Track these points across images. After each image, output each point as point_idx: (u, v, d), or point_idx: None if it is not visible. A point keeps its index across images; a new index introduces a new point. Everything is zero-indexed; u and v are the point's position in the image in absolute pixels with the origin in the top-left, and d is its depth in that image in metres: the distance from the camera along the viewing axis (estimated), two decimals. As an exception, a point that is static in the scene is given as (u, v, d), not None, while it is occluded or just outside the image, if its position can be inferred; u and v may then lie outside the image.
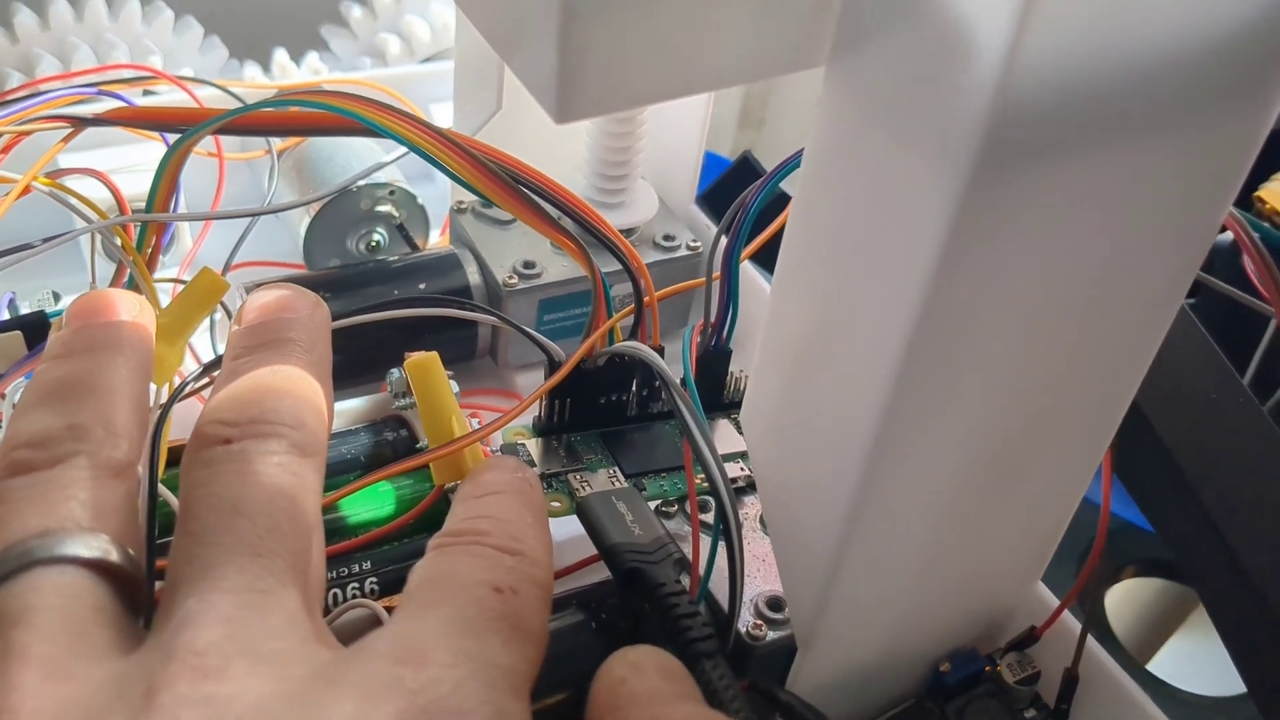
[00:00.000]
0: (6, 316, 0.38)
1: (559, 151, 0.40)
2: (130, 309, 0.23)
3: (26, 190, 0.32)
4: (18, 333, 0.35)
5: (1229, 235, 0.48)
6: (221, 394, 0.22)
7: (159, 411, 0.31)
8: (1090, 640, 0.32)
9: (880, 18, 0.21)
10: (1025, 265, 0.23)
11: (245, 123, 0.32)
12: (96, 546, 0.18)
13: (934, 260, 0.21)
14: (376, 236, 0.44)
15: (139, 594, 0.19)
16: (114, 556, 0.18)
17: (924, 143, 0.21)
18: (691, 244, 0.43)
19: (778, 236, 0.29)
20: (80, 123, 0.32)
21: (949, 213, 0.21)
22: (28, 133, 0.32)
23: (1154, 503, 0.38)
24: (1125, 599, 0.57)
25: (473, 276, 0.41)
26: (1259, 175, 0.48)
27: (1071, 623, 0.33)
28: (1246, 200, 0.47)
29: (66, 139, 0.32)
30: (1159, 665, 0.54)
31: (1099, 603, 0.53)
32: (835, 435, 0.25)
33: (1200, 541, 0.35)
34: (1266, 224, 0.47)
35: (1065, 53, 0.19)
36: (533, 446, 0.34)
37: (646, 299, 0.33)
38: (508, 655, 0.19)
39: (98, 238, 0.36)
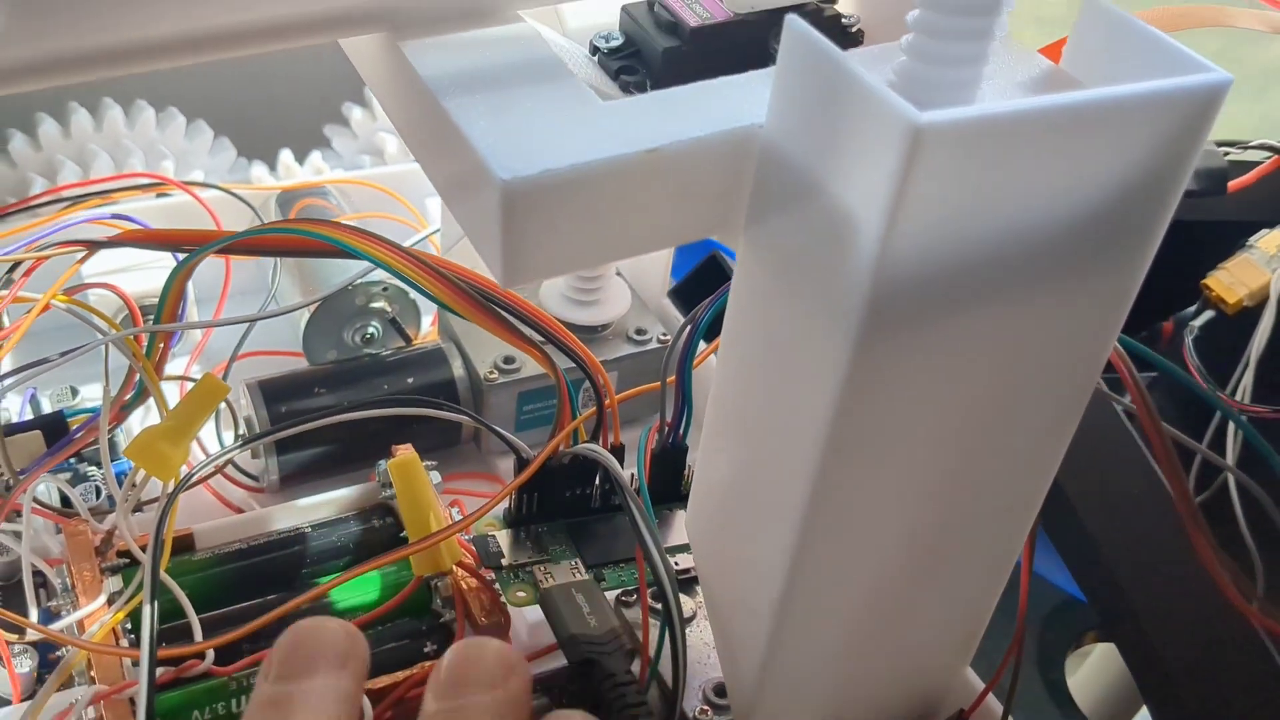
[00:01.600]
0: (29, 413, 0.41)
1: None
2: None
3: (46, 307, 0.35)
4: (38, 432, 0.39)
5: (1193, 312, 0.51)
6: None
7: (165, 501, 0.35)
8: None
9: (780, 203, 0.24)
10: (916, 401, 0.26)
11: (241, 246, 0.35)
12: None
13: (834, 399, 0.24)
14: (371, 329, 0.47)
15: None
16: None
17: (819, 306, 0.24)
18: (662, 337, 0.47)
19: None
20: (95, 246, 0.35)
21: (842, 363, 0.24)
22: (47, 257, 0.35)
23: (1084, 581, 0.42)
24: (1091, 667, 0.59)
25: (457, 370, 0.44)
26: (1209, 264, 0.51)
27: (996, 703, 0.36)
28: (1195, 289, 0.50)
29: (82, 260, 0.35)
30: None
31: (1048, 682, 0.55)
32: (763, 536, 0.28)
33: (1119, 615, 0.38)
34: (1213, 311, 0.50)
35: (934, 235, 0.22)
36: (502, 537, 0.38)
37: (607, 401, 0.36)
38: None
39: (113, 347, 0.39)
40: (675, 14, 0.30)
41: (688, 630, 0.36)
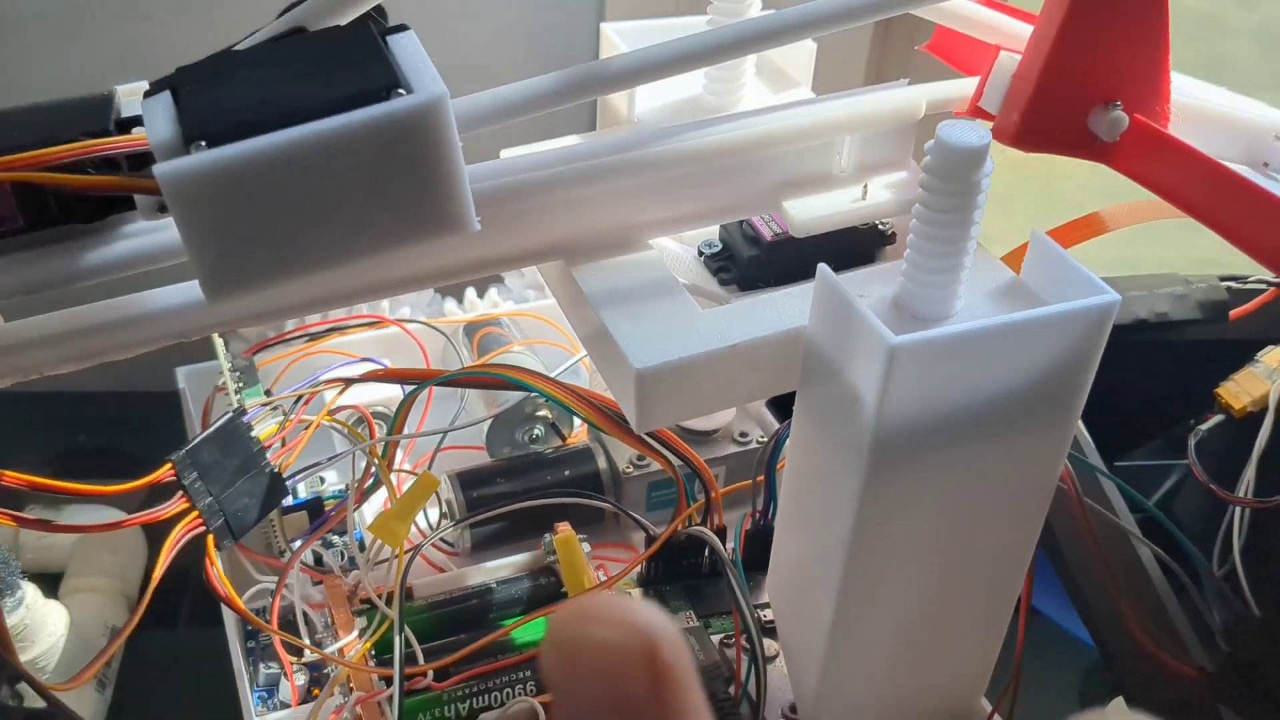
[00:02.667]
0: (292, 500, 0.56)
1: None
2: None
3: (317, 426, 0.50)
4: (304, 512, 0.54)
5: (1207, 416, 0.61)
6: None
7: (405, 563, 0.49)
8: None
9: (816, 377, 0.37)
10: (914, 509, 0.38)
11: (449, 383, 0.49)
12: None
13: (853, 509, 0.37)
14: (536, 431, 0.61)
15: None
16: None
17: (842, 446, 0.37)
18: (761, 439, 0.60)
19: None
20: (349, 382, 0.50)
21: (857, 486, 0.36)
22: (318, 390, 0.50)
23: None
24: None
25: (601, 464, 0.58)
26: (1220, 375, 0.61)
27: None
28: (1209, 397, 0.61)
29: (340, 393, 0.50)
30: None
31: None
32: (815, 598, 0.41)
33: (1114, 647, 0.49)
34: (1222, 414, 0.60)
35: (914, 404, 0.35)
36: (636, 595, 0.51)
37: (713, 494, 0.50)
38: None
39: (359, 455, 0.54)
40: (757, 230, 0.44)
41: (770, 665, 0.48)
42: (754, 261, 0.43)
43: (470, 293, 0.72)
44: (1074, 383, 0.37)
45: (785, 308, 0.38)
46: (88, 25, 0.73)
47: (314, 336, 0.61)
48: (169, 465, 0.44)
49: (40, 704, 0.46)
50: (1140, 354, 0.61)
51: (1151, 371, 0.62)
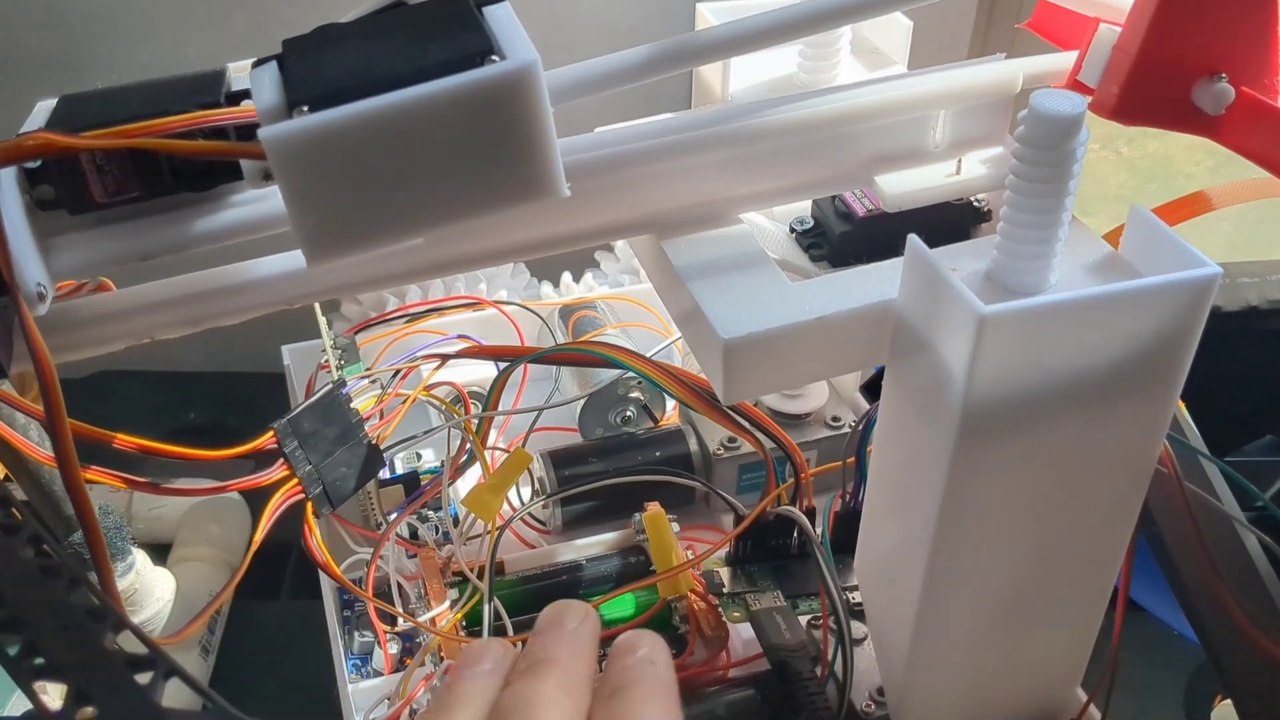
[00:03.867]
0: (387, 474, 0.57)
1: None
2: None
3: (414, 400, 0.51)
4: (400, 485, 0.55)
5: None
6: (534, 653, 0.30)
7: (495, 537, 0.50)
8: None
9: (906, 351, 0.37)
10: (1003, 487, 0.37)
11: (544, 360, 0.50)
12: None
13: (941, 486, 0.36)
14: (629, 412, 0.62)
15: None
16: None
17: (931, 421, 0.36)
18: (853, 423, 0.59)
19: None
20: (445, 358, 0.51)
21: (946, 461, 0.36)
22: (415, 365, 0.51)
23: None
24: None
25: (692, 446, 0.58)
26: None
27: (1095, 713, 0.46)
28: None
29: (436, 368, 0.51)
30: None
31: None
32: (903, 581, 0.41)
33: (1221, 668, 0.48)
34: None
35: (1003, 378, 0.34)
36: (724, 573, 0.51)
37: (803, 475, 0.49)
38: None
39: (453, 432, 0.55)
40: (849, 206, 0.44)
41: (858, 648, 0.48)
42: (846, 237, 0.43)
43: (566, 276, 0.72)
44: (1172, 360, 0.36)
45: (875, 281, 0.38)
46: (206, 11, 0.75)
47: (413, 317, 0.63)
48: (271, 433, 0.46)
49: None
50: (1251, 343, 0.59)
51: (1263, 362, 0.60)
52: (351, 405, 0.49)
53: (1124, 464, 0.39)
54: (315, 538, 0.47)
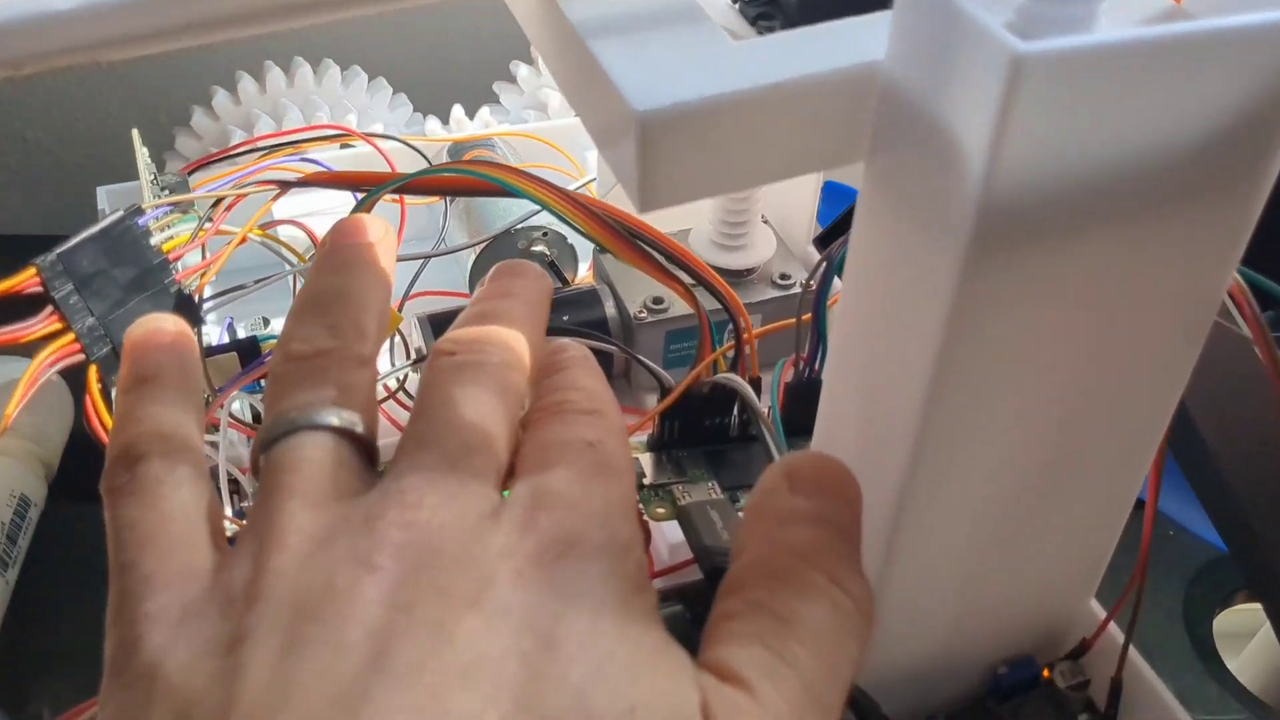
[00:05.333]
0: (226, 339, 0.46)
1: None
2: (376, 233, 0.29)
3: (243, 240, 0.40)
4: (234, 354, 0.43)
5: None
6: (455, 331, 0.27)
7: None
8: (1133, 651, 0.36)
9: (897, 134, 0.26)
10: (1024, 326, 0.27)
11: (413, 186, 0.38)
12: (345, 418, 0.24)
13: (943, 320, 0.26)
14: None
15: (375, 454, 0.25)
16: (358, 427, 0.24)
17: (932, 231, 0.26)
18: (804, 283, 0.48)
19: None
20: (285, 185, 0.39)
21: (951, 284, 0.25)
22: (245, 194, 0.39)
23: (1225, 533, 0.42)
24: (1241, 626, 0.58)
25: (609, 310, 0.47)
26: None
27: (1119, 635, 0.37)
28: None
29: (275, 198, 0.39)
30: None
31: (1195, 639, 0.55)
32: (878, 461, 0.30)
33: (1259, 569, 0.38)
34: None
35: (1039, 160, 0.24)
36: (645, 460, 0.40)
37: (745, 336, 0.39)
38: (608, 489, 0.24)
39: (299, 277, 0.43)
40: (812, -39, 0.32)
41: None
42: (808, 4, 0.32)
43: (457, 110, 0.60)
44: (1263, 143, 0.25)
45: (852, 37, 0.27)
46: None
47: (265, 152, 0.50)
48: (32, 270, 0.34)
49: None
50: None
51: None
52: (152, 242, 0.37)
53: (1182, 298, 0.28)
54: (100, 416, 0.35)
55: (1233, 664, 0.55)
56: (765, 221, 0.49)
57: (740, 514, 0.37)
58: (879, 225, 0.28)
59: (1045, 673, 0.37)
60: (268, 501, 0.23)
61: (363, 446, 0.25)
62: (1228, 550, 0.42)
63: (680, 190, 0.27)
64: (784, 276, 0.49)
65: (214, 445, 0.42)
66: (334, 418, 0.24)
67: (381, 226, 0.29)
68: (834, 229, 0.51)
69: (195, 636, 0.21)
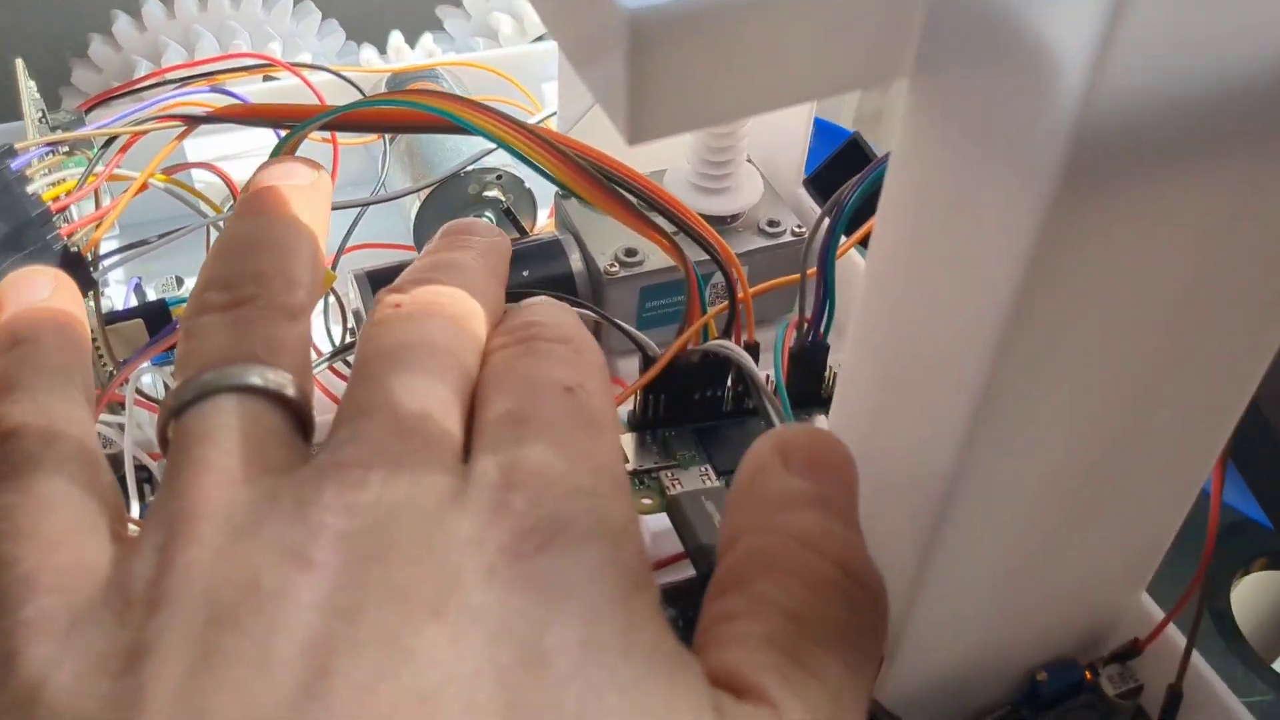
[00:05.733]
0: (133, 302, 0.39)
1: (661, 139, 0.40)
2: (308, 176, 0.25)
3: (145, 186, 0.33)
4: (140, 320, 0.37)
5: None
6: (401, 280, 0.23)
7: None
8: (1196, 655, 0.31)
9: (961, 39, 0.20)
10: (1117, 279, 0.22)
11: (346, 120, 0.32)
12: (271, 379, 0.20)
13: (1018, 276, 0.21)
14: (485, 218, 0.45)
15: (309, 423, 0.21)
16: (286, 388, 0.20)
17: (1007, 161, 0.20)
18: (797, 229, 0.43)
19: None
20: (194, 121, 0.33)
21: (1032, 230, 0.20)
22: (144, 132, 0.33)
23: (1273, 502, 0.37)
24: (1254, 594, 0.54)
25: (575, 264, 0.41)
26: None
27: (1177, 634, 0.32)
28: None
29: (180, 136, 0.33)
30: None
31: (1214, 612, 0.51)
32: (922, 444, 0.25)
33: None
34: None
35: (1155, 73, 0.18)
36: (626, 441, 0.35)
37: (740, 295, 0.33)
38: (596, 453, 0.20)
39: (213, 230, 0.37)
40: None
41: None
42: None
43: (396, 37, 0.54)
44: None
45: (899, -82, 0.21)
46: None
47: (177, 84, 0.44)
48: None
49: None
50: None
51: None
52: (30, 190, 0.30)
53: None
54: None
55: (1253, 637, 0.51)
56: (749, 161, 0.44)
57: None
58: (929, 159, 0.23)
59: (1087, 675, 0.32)
60: (176, 480, 0.19)
61: (294, 414, 0.20)
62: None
63: (680, 115, 0.21)
64: (772, 223, 0.43)
65: (120, 427, 0.36)
66: (258, 378, 0.20)
67: (314, 170, 0.25)
68: (829, 169, 0.45)
69: (86, 650, 0.17)
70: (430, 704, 0.16)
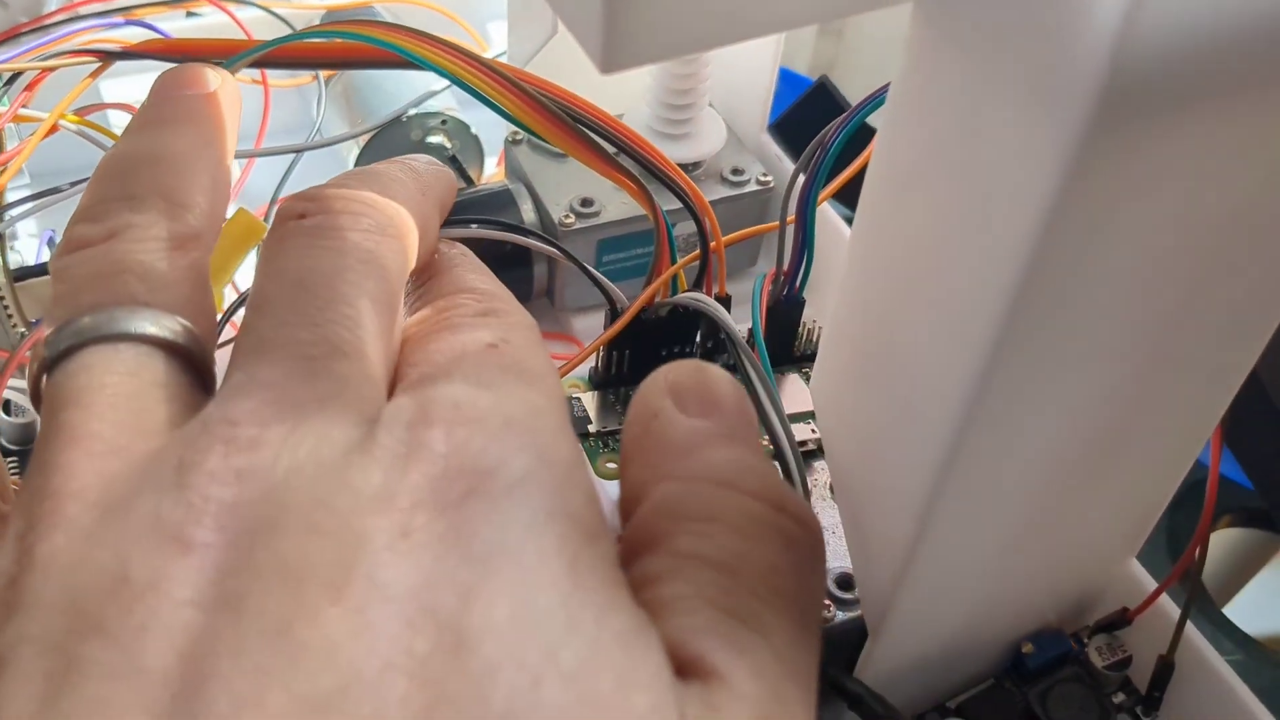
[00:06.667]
0: (46, 256, 0.36)
1: (618, 79, 0.37)
2: (209, 81, 0.22)
3: (54, 129, 0.30)
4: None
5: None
6: (307, 189, 0.20)
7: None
8: (1189, 625, 0.30)
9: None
10: (1146, 226, 0.20)
11: (281, 55, 0.29)
12: (151, 321, 0.17)
13: (1040, 221, 0.18)
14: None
15: (207, 371, 0.18)
16: (174, 334, 0.17)
17: (1028, 95, 0.18)
18: (762, 178, 0.40)
19: (859, 176, 0.26)
20: (109, 57, 0.30)
21: (1058, 169, 0.18)
22: (53, 68, 0.30)
23: (1259, 465, 0.36)
24: (1218, 552, 0.54)
25: (527, 214, 0.39)
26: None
27: (1165, 602, 0.30)
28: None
29: (94, 74, 0.30)
30: (1235, 609, 0.52)
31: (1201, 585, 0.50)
32: (918, 404, 0.23)
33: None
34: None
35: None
36: (588, 400, 0.32)
37: (712, 244, 0.31)
38: (524, 397, 0.17)
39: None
40: None
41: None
42: None
43: (332, -30, 0.50)
44: None
45: None
46: None
47: (90, 21, 0.40)
48: None
49: None
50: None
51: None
52: (-79, 129, 0.27)
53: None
54: None
55: (1217, 594, 0.51)
56: (710, 105, 0.41)
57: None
58: (934, 97, 0.20)
59: (1074, 646, 0.31)
60: (43, 453, 0.16)
61: (188, 363, 0.17)
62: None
63: (660, 40, 0.19)
64: (736, 171, 0.41)
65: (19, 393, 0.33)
66: (135, 323, 0.17)
67: (216, 74, 0.22)
68: (795, 113, 0.43)
69: None
70: (328, 715, 0.13)
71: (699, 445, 0.18)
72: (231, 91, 0.22)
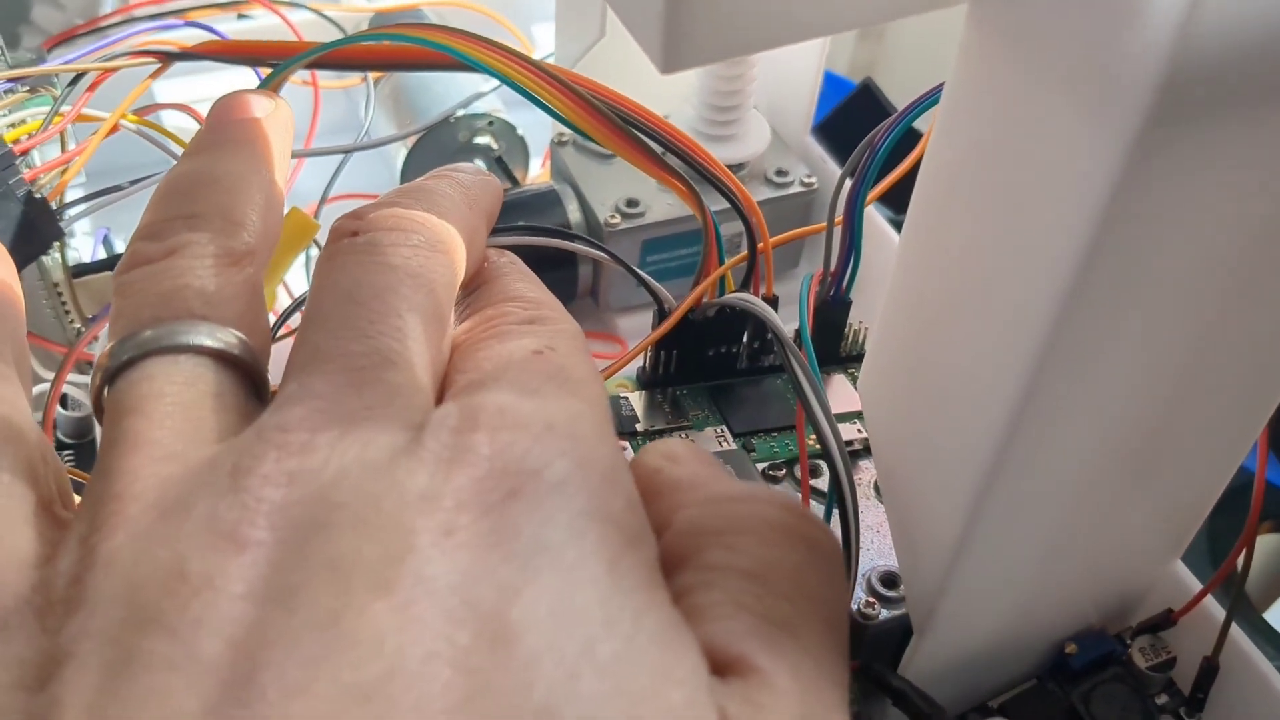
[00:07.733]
0: (102, 254, 0.37)
1: (664, 81, 0.37)
2: (263, 108, 0.23)
3: (115, 128, 0.31)
4: (108, 273, 0.34)
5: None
6: (358, 208, 0.21)
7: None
8: (1234, 627, 0.30)
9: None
10: (1198, 228, 0.20)
11: (335, 58, 0.30)
12: (208, 334, 0.18)
13: (1092, 225, 0.19)
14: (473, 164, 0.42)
15: (262, 382, 0.19)
16: (231, 347, 0.18)
17: (1084, 94, 0.18)
18: (806, 180, 0.41)
19: (905, 179, 0.26)
20: (168, 58, 0.30)
21: (1111, 173, 0.18)
22: (115, 69, 0.30)
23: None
24: (1256, 550, 0.54)
25: (573, 214, 0.39)
26: None
27: (1210, 604, 0.30)
28: None
29: (154, 75, 0.30)
30: (1275, 614, 0.51)
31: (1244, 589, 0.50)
32: (967, 404, 0.23)
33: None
34: None
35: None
36: (636, 400, 0.33)
37: (760, 245, 0.31)
38: (567, 403, 0.18)
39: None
40: None
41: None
42: None
43: (379, -26, 0.51)
44: None
45: None
46: None
47: (148, 20, 0.41)
48: None
49: None
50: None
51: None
52: (-11, 129, 0.28)
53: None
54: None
55: (1257, 600, 0.50)
56: (755, 108, 0.42)
57: (758, 471, 0.30)
58: (986, 98, 0.21)
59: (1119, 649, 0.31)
60: (106, 458, 0.17)
61: (240, 373, 0.18)
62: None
63: (720, 39, 0.19)
64: (780, 173, 0.41)
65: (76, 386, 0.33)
66: (193, 336, 0.18)
67: (269, 100, 0.23)
68: (839, 116, 0.43)
69: (8, 660, 0.15)
70: (374, 703, 0.14)
71: (707, 481, 0.20)
72: (283, 116, 0.23)
